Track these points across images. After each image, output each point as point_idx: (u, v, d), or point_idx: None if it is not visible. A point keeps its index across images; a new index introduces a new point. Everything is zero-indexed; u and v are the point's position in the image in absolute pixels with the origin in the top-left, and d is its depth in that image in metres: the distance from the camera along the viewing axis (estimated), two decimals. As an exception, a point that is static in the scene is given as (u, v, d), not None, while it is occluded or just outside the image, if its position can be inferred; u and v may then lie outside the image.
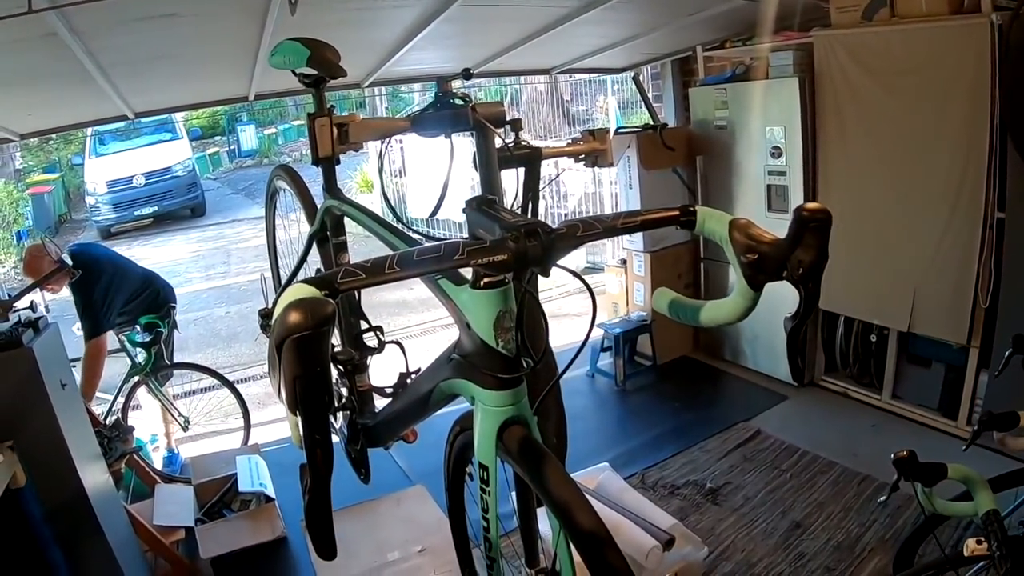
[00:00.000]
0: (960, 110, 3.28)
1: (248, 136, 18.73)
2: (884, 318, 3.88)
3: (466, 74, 2.00)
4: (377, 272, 0.99)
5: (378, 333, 1.77)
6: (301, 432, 0.91)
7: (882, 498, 2.24)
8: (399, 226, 1.61)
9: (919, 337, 3.77)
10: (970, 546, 1.85)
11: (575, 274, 1.19)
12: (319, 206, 1.98)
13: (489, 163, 1.80)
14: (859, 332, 4.11)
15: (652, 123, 4.60)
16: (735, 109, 4.32)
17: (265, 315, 2.39)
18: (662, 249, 4.88)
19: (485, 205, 1.26)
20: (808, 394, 4.39)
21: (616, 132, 4.67)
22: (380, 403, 1.93)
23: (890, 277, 3.74)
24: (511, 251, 1.03)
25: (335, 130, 1.64)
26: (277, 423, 4.77)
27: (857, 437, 3.81)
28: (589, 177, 7.93)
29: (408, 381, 1.61)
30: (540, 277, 1.17)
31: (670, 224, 1.18)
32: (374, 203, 11.11)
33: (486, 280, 1.12)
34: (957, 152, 3.33)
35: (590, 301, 1.25)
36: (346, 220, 1.95)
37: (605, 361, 5.00)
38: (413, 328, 6.72)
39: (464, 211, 1.28)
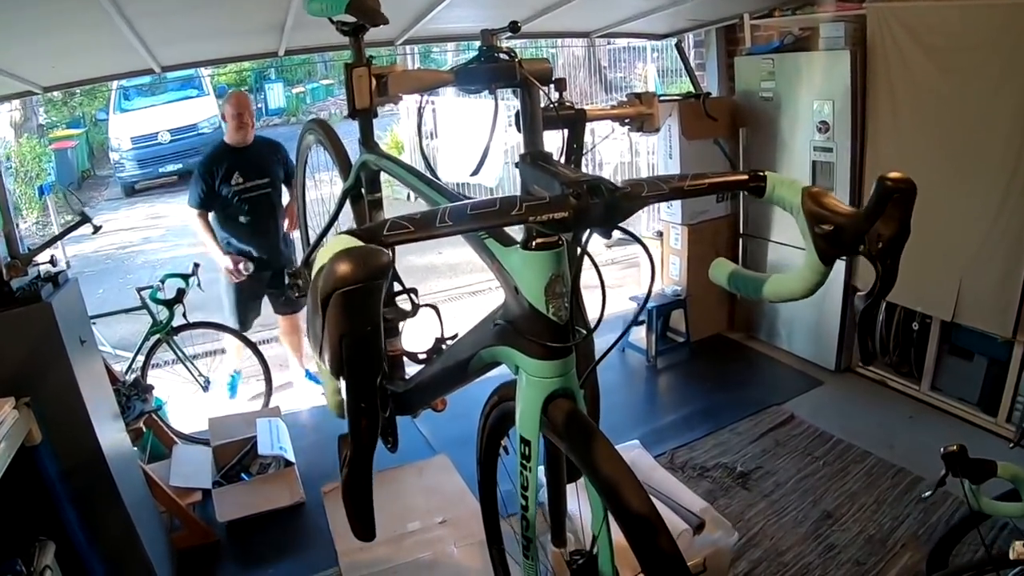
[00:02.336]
0: (1019, 92, 3.11)
1: (276, 94, 18.51)
2: (927, 306, 3.73)
3: (513, 27, 1.88)
4: (427, 226, 0.90)
5: (412, 296, 1.68)
6: (344, 398, 0.84)
7: (927, 493, 2.16)
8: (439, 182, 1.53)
9: (962, 328, 3.63)
10: (1017, 548, 1.75)
11: (634, 237, 1.12)
12: (354, 161, 1.91)
13: (533, 122, 1.69)
14: (900, 319, 3.96)
15: (695, 92, 4.44)
16: (782, 81, 4.15)
17: (293, 275, 2.32)
18: (701, 223, 4.73)
19: (541, 159, 1.18)
20: (844, 380, 4.26)
21: (658, 100, 4.53)
22: (410, 370, 1.85)
23: (936, 264, 3.57)
24: (572, 208, 0.95)
25: (374, 81, 1.53)
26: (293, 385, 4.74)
27: (893, 428, 3.69)
28: (625, 146, 7.76)
29: (444, 347, 1.53)
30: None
31: (739, 189, 1.11)
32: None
33: (539, 241, 1.04)
34: (1014, 137, 3.16)
35: (638, 268, 1.19)
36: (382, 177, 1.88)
37: (637, 336, 4.86)
38: (442, 294, 6.65)
39: (518, 165, 1.22)
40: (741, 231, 4.75)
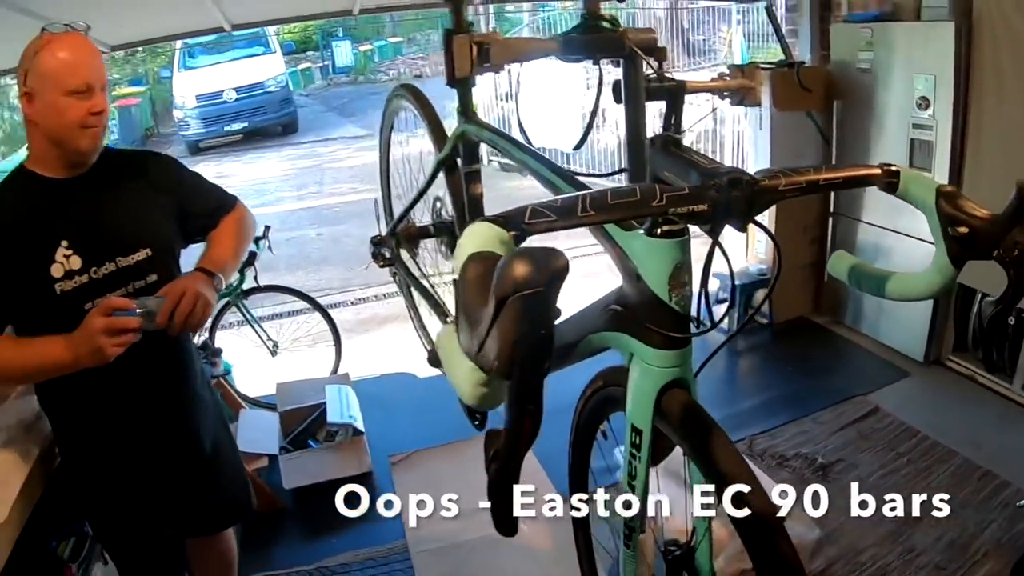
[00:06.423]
0: None
1: (343, 52, 18.50)
2: (1029, 300, 3.49)
3: None
4: (568, 214, 0.89)
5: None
6: (488, 392, 0.83)
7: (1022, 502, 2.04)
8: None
9: (1064, 328, 3.40)
10: None
11: (766, 230, 1.12)
12: (450, 131, 1.91)
13: (636, 95, 1.62)
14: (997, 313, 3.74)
15: (787, 60, 4.22)
16: (881, 52, 3.90)
17: (377, 242, 2.31)
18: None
19: (673, 145, 1.17)
20: (932, 373, 4.04)
21: (761, 72, 4.32)
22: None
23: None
24: (712, 201, 0.95)
25: (474, 49, 1.51)
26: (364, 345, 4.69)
27: (981, 427, 3.47)
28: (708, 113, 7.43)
29: None
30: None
31: (870, 184, 1.12)
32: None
33: (665, 228, 1.03)
34: None
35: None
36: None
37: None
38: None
39: (650, 151, 1.23)
40: (832, 209, 4.49)
